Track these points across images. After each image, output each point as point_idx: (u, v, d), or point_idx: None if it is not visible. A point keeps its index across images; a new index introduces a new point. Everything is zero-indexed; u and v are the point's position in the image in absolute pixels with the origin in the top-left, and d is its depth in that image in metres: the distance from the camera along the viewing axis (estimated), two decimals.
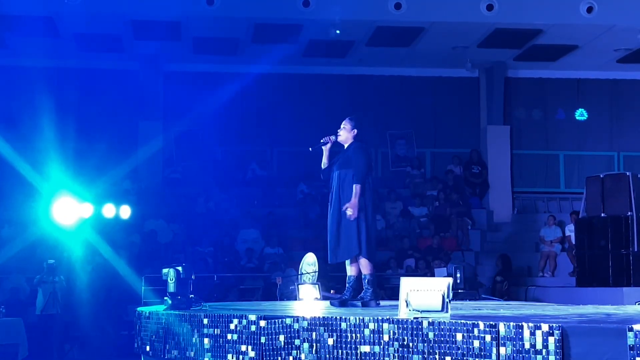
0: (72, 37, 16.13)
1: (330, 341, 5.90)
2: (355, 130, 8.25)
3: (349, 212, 7.92)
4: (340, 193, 8.10)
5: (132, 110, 17.73)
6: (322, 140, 8.34)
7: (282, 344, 6.13)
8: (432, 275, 13.57)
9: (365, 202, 8.02)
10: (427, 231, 17.20)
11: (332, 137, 8.32)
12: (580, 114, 19.03)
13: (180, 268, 7.63)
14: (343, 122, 8.33)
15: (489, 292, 14.71)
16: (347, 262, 8.22)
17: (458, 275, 11.81)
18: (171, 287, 7.60)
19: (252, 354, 6.26)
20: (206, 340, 6.67)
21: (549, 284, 15.37)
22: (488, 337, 5.20)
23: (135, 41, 16.43)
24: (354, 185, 7.98)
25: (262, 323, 6.25)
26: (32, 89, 16.47)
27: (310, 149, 8.50)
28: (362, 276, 8.07)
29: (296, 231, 16.97)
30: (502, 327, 5.17)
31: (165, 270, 7.69)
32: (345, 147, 8.31)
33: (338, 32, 15.57)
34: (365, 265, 8.04)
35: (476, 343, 5.25)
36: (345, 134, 8.27)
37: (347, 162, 8.14)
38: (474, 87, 18.89)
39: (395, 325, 5.62)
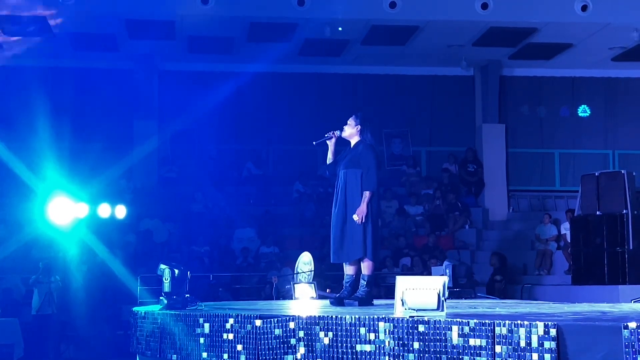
0: (66, 36, 16.11)
1: (326, 340, 5.90)
2: (359, 127, 8.15)
3: (356, 217, 7.84)
4: (345, 193, 8.03)
5: (127, 109, 17.71)
6: (326, 135, 8.28)
7: (278, 343, 6.13)
8: (429, 273, 13.58)
9: (372, 205, 7.96)
10: (423, 230, 17.22)
11: (337, 132, 8.23)
12: (583, 111, 19.04)
13: (176, 270, 7.61)
14: (349, 119, 8.28)
15: (487, 290, 14.70)
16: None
17: (450, 272, 11.83)
18: (167, 287, 7.58)
19: (247, 353, 6.26)
20: (202, 340, 6.67)
21: (545, 282, 15.39)
22: (484, 336, 5.21)
23: (130, 40, 16.41)
24: (365, 192, 7.90)
25: (258, 322, 6.24)
26: (27, 88, 16.44)
27: (314, 142, 8.44)
28: (362, 275, 8.05)
29: (292, 230, 16.97)
30: (497, 326, 5.17)
31: (162, 266, 7.66)
32: (352, 145, 8.22)
33: (340, 29, 15.51)
34: (367, 266, 8.02)
35: (472, 342, 5.25)
36: (350, 130, 8.20)
37: (354, 161, 8.04)
38: (469, 86, 18.91)
39: (391, 324, 5.62)
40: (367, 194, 7.87)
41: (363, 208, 7.84)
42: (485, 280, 15.51)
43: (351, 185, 8.01)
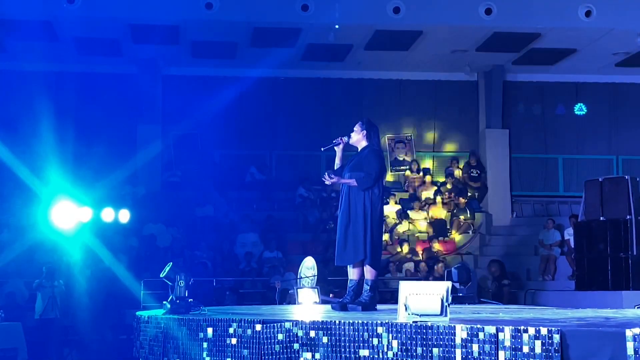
0: (70, 41, 16.14)
1: (329, 345, 5.90)
2: (365, 132, 8.19)
3: (327, 179, 8.05)
4: (349, 197, 8.07)
5: (131, 114, 17.74)
6: (334, 141, 8.32)
7: (281, 348, 6.12)
8: (438, 278, 13.59)
9: (372, 208, 7.96)
10: (426, 235, 17.19)
11: (345, 139, 8.28)
12: (579, 109, 19.00)
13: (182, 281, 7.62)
14: (356, 125, 8.31)
15: (494, 297, 14.52)
16: (349, 265, 8.22)
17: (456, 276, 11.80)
18: (180, 292, 7.58)
19: (251, 358, 6.25)
20: (205, 345, 6.67)
21: (548, 288, 15.38)
22: (487, 342, 5.20)
23: (134, 45, 16.43)
24: (352, 180, 7.97)
25: (261, 327, 6.24)
26: (31, 93, 16.47)
27: (322, 149, 8.49)
28: (365, 280, 8.06)
29: (295, 235, 16.97)
30: (501, 331, 5.16)
31: (174, 272, 7.68)
32: (359, 150, 8.29)
33: (337, 26, 15.42)
34: (369, 270, 8.03)
35: (475, 347, 5.24)
36: (356, 136, 8.24)
37: (358, 166, 8.08)
38: (473, 91, 18.90)
39: (395, 329, 5.61)
40: (352, 181, 7.97)
41: (341, 180, 8.01)
42: (486, 286, 15.47)
43: (354, 189, 8.05)
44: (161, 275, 7.67)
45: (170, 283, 7.62)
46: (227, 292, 14.53)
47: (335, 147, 8.32)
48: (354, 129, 8.26)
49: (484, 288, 15.23)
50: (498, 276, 15.31)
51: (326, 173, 8.14)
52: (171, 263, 7.77)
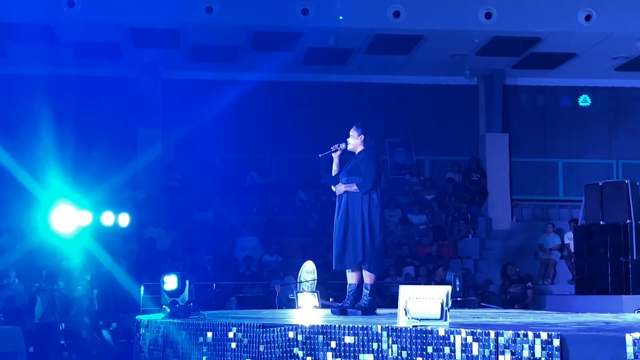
0: (71, 45, 16.15)
1: (329, 350, 5.89)
2: (363, 136, 8.23)
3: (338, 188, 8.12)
4: (347, 200, 8.08)
5: (131, 117, 17.74)
6: (332, 148, 8.34)
7: (281, 352, 6.12)
8: (438, 282, 13.55)
9: (369, 212, 7.98)
10: (426, 239, 17.20)
11: (342, 145, 8.30)
12: (584, 100, 18.97)
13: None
14: (351, 130, 8.33)
15: (517, 302, 14.37)
16: (348, 270, 8.22)
17: (457, 282, 11.79)
18: (187, 295, 7.59)
19: None
20: (205, 349, 6.67)
21: (548, 292, 15.37)
22: (487, 346, 5.20)
23: (134, 49, 16.44)
24: (354, 185, 7.98)
25: (261, 331, 6.24)
26: (31, 96, 16.46)
27: (320, 155, 8.50)
28: (365, 285, 8.07)
29: (295, 239, 16.95)
30: (501, 336, 5.16)
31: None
32: (355, 154, 8.30)
33: (341, 17, 15.31)
34: (368, 275, 8.04)
35: (475, 352, 5.24)
36: (354, 141, 8.27)
37: (355, 170, 8.12)
38: (473, 95, 18.90)
39: (395, 334, 5.61)
40: (353, 186, 8.01)
41: (347, 187, 8.01)
42: (486, 290, 15.44)
43: (352, 193, 8.07)
44: (173, 289, 7.67)
45: (176, 287, 7.62)
46: (231, 297, 14.52)
47: (333, 154, 8.35)
48: (350, 133, 8.29)
49: (487, 292, 15.20)
50: (517, 279, 15.10)
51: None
52: (177, 274, 7.78)
